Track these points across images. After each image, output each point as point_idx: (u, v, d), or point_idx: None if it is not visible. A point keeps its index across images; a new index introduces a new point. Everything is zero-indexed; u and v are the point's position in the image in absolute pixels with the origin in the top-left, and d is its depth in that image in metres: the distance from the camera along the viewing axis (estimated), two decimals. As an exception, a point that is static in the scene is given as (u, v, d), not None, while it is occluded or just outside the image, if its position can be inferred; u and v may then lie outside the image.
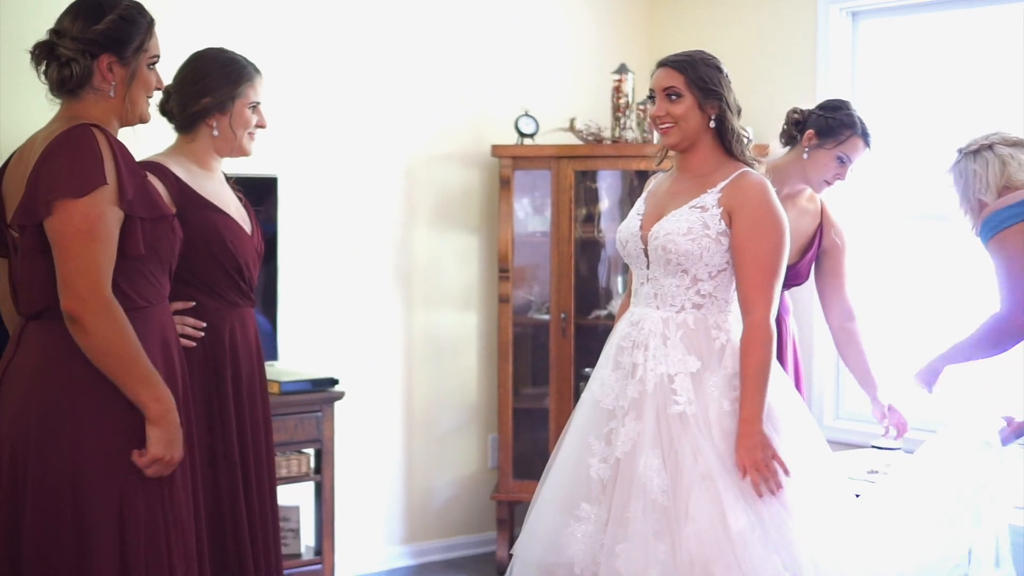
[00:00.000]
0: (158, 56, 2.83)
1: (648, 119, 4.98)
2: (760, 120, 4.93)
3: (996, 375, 4.38)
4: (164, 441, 2.70)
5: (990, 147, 3.54)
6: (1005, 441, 3.44)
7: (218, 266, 3.26)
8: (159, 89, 2.86)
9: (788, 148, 3.94)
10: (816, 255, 3.98)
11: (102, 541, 2.64)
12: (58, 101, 2.79)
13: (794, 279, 3.87)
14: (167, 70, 3.33)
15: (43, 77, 2.76)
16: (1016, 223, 3.41)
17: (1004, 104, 4.62)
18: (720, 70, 3.17)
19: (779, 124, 3.98)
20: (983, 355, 3.62)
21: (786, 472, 3.00)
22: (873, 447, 4.14)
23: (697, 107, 3.14)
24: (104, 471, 2.66)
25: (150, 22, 2.80)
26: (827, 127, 3.82)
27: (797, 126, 3.90)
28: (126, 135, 2.84)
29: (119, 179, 2.65)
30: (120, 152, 2.69)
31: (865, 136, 3.84)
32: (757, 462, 2.98)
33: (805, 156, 3.84)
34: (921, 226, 4.90)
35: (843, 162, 3.83)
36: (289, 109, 4.84)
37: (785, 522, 3.00)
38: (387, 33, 5.18)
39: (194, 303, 3.22)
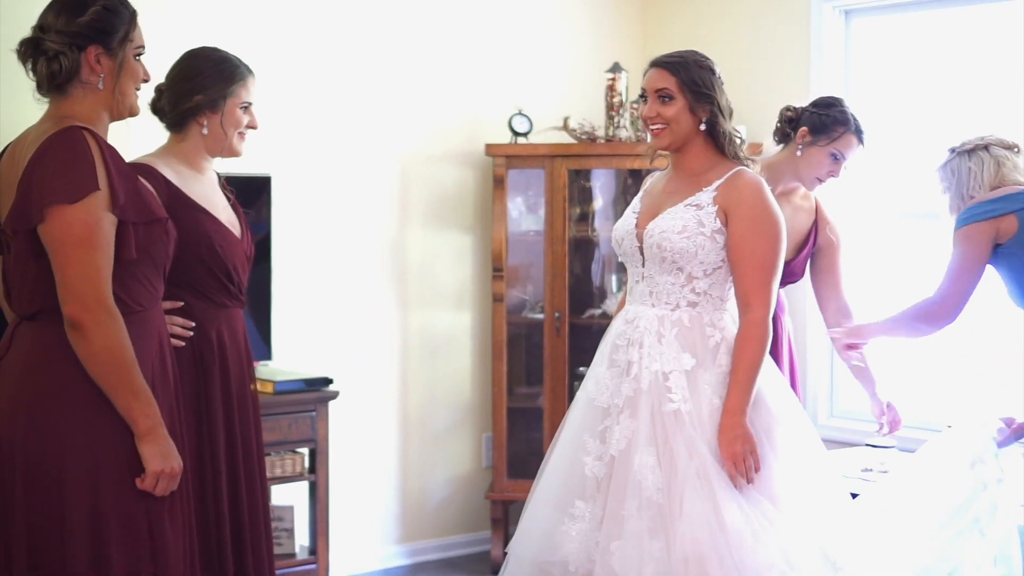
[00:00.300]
0: (143, 46, 2.82)
1: (639, 119, 5.02)
2: (754, 118, 4.94)
3: (997, 376, 4.40)
4: (159, 455, 2.69)
5: (986, 147, 3.56)
6: (1004, 443, 3.44)
7: (206, 270, 3.25)
8: (146, 81, 2.85)
9: (782, 146, 3.94)
10: (811, 253, 3.98)
11: (78, 538, 2.63)
12: (46, 101, 2.78)
13: (789, 277, 3.87)
14: (160, 69, 3.33)
15: (31, 74, 2.75)
16: (986, 219, 3.43)
17: (996, 102, 4.63)
18: (713, 71, 3.17)
19: (773, 122, 3.98)
20: (903, 332, 3.75)
21: (757, 469, 3.01)
22: (867, 445, 4.14)
23: (688, 110, 3.14)
24: (88, 471, 2.64)
25: (133, 12, 2.79)
26: (820, 124, 3.82)
27: (790, 124, 3.89)
28: (118, 135, 2.83)
29: (110, 184, 2.65)
30: (110, 156, 2.68)
31: (859, 133, 3.83)
32: (736, 455, 2.99)
33: (799, 153, 3.84)
34: (914, 224, 4.90)
35: (837, 159, 3.83)
36: (283, 108, 4.84)
37: (779, 519, 3.00)
38: (381, 32, 5.17)
39: (182, 303, 3.21)
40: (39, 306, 2.69)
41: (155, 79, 2.99)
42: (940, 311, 3.56)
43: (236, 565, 3.28)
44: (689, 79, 3.13)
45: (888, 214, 5.01)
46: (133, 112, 2.83)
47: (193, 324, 3.23)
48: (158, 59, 3.34)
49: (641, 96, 3.24)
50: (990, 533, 3.40)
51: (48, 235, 2.62)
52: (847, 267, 4.07)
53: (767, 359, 3.14)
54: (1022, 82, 4.52)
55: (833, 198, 4.15)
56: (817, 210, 3.98)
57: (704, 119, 3.14)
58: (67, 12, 2.71)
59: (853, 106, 3.95)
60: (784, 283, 3.78)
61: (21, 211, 2.64)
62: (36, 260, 2.66)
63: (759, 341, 3.06)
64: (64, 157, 2.62)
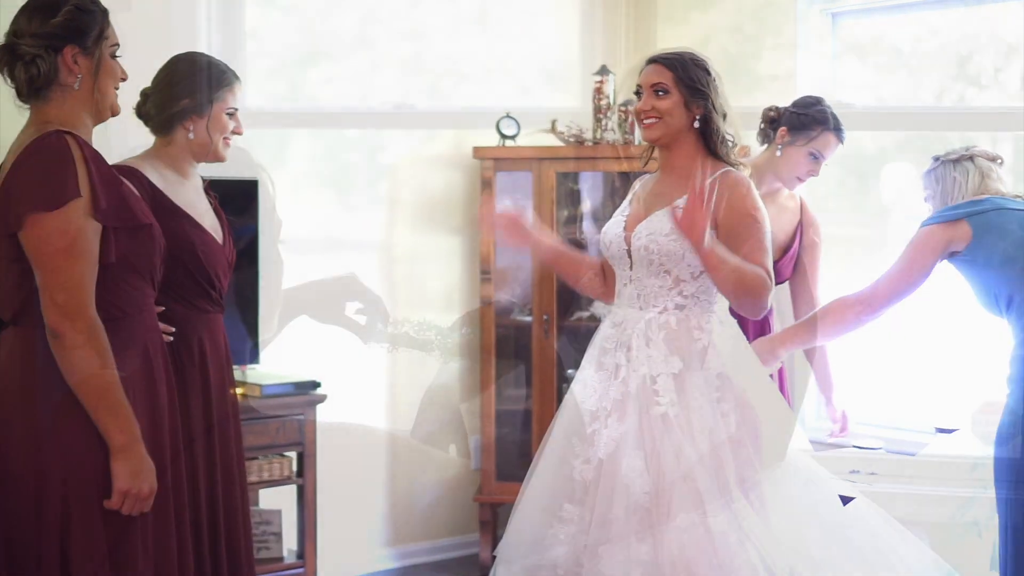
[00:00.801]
0: (118, 44, 2.81)
1: (632, 115, 5.02)
2: (740, 120, 4.94)
3: (986, 380, 4.40)
4: (128, 473, 2.64)
5: (971, 158, 3.56)
6: None
7: (188, 275, 3.24)
8: (123, 80, 2.84)
9: (764, 146, 3.96)
10: (797, 253, 3.99)
11: (50, 544, 2.62)
12: (27, 109, 2.76)
13: (776, 277, 3.87)
14: (147, 73, 3.32)
15: (9, 81, 2.74)
16: (939, 223, 3.43)
17: (985, 103, 4.64)
18: (709, 72, 3.19)
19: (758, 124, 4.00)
20: (814, 336, 3.64)
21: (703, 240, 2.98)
22: (855, 447, 4.15)
23: (683, 105, 3.15)
24: (60, 479, 2.63)
25: (104, 11, 2.78)
26: (799, 124, 3.84)
27: (772, 124, 3.91)
28: (95, 139, 2.81)
29: (92, 189, 2.63)
30: (93, 160, 2.66)
31: (838, 131, 3.86)
32: (700, 226, 2.96)
33: (778, 154, 3.86)
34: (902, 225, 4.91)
35: (816, 158, 3.86)
36: (271, 111, 4.82)
37: (765, 521, 3.00)
38: (368, 34, 5.16)
39: (163, 308, 3.20)
40: (18, 309, 2.68)
41: (139, 83, 2.98)
42: (866, 304, 3.49)
43: (213, 569, 3.26)
44: (686, 75, 3.15)
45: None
46: (114, 111, 2.81)
47: (173, 329, 3.21)
48: (146, 63, 3.33)
49: (636, 93, 3.24)
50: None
51: (28, 243, 2.60)
52: (824, 267, 4.09)
53: (751, 349, 3.15)
54: (1014, 84, 4.53)
55: (816, 199, 4.17)
56: (802, 210, 3.99)
57: (698, 116, 3.16)
58: (39, 15, 2.69)
59: (836, 106, 3.97)
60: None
61: (1, 217, 2.62)
62: (17, 264, 2.65)
63: (756, 273, 3.03)
64: (44, 163, 2.60)
